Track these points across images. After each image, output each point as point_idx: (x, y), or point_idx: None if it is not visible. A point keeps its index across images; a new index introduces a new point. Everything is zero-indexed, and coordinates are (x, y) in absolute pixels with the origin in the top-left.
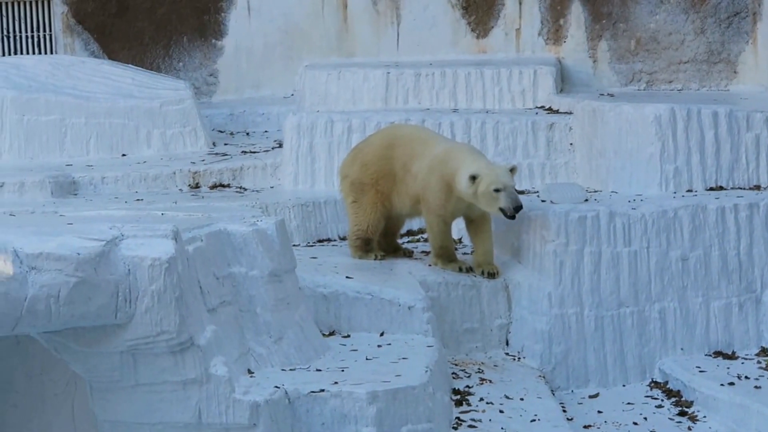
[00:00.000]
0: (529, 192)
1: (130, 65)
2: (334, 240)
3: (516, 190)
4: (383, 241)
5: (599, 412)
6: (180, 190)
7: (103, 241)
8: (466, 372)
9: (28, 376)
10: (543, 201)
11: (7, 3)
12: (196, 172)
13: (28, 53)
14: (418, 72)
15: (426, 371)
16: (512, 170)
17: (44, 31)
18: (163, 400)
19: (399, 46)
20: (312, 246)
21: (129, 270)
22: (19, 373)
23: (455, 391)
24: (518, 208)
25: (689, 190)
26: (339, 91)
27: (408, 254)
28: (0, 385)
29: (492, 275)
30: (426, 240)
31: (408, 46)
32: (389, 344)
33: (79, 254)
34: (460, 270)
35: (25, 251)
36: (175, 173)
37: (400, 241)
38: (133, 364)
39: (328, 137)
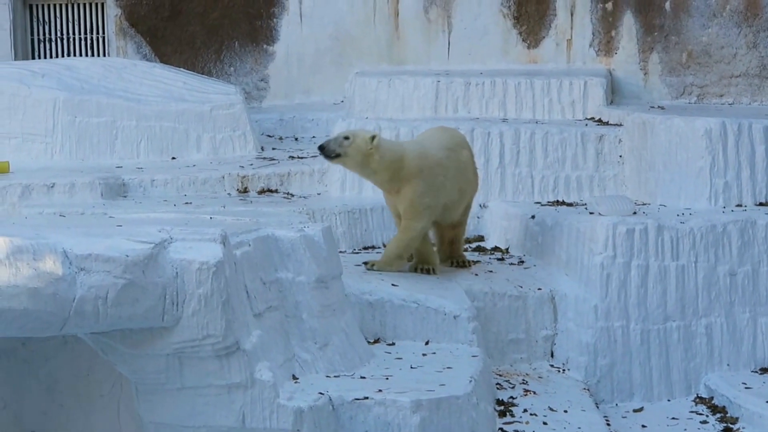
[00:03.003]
0: (577, 204)
1: (181, 69)
2: (380, 247)
3: (335, 139)
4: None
5: (643, 426)
6: (228, 194)
7: (151, 244)
8: (510, 383)
9: (74, 376)
10: (591, 213)
11: (60, 5)
12: (244, 177)
13: (80, 55)
14: (468, 81)
15: (470, 381)
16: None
17: (97, 33)
18: (208, 403)
19: (449, 54)
20: (358, 253)
21: (177, 273)
22: (66, 373)
23: (499, 402)
24: (320, 146)
25: (738, 205)
26: (388, 98)
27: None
28: (46, 385)
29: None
30: (476, 249)
31: (458, 54)
32: (434, 353)
33: (127, 256)
34: (417, 269)
35: (74, 252)
36: (223, 177)
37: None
38: (179, 366)
39: None
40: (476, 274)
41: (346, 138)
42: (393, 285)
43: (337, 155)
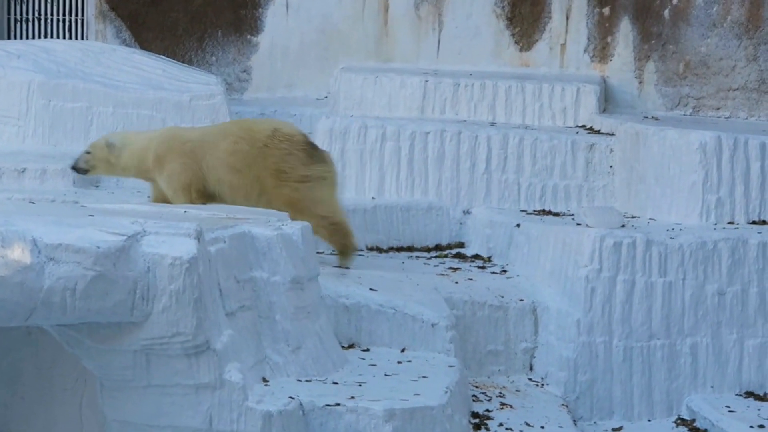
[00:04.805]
0: (564, 214)
1: (161, 56)
2: (361, 249)
3: (80, 156)
4: None
5: None
6: None
7: (124, 236)
8: (486, 395)
9: (37, 368)
10: (578, 224)
11: None
12: None
13: (58, 37)
14: (457, 82)
15: (446, 392)
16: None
17: (76, 15)
18: (174, 403)
19: (439, 53)
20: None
21: (148, 267)
22: (29, 365)
23: (474, 415)
24: (71, 167)
25: (730, 222)
26: (374, 96)
27: None
28: (8, 377)
29: None
30: (456, 256)
31: (448, 54)
32: (409, 361)
33: (98, 248)
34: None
35: (44, 241)
36: None
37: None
38: (146, 364)
39: (361, 143)
40: (456, 282)
41: (88, 152)
42: (371, 289)
43: (86, 170)
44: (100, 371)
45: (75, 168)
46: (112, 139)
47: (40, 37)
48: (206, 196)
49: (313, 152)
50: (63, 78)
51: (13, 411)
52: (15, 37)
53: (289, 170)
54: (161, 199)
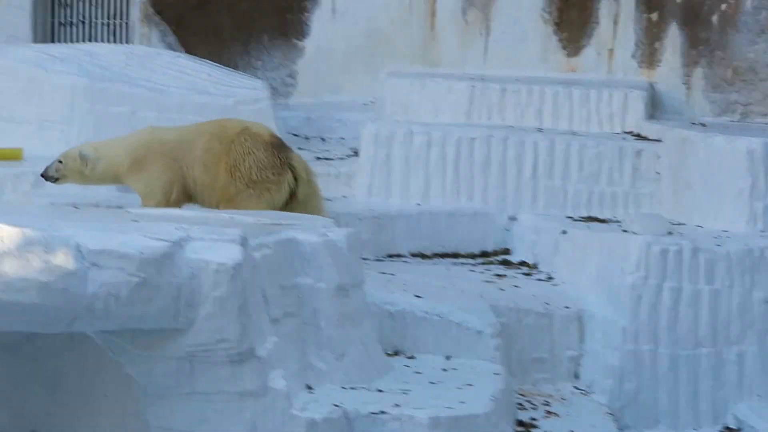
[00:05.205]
0: (610, 221)
1: (206, 60)
2: (405, 255)
3: (51, 165)
4: None
5: None
6: None
7: (168, 242)
8: (532, 403)
9: (80, 375)
10: (624, 231)
11: None
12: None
13: (103, 41)
14: (503, 87)
15: (491, 400)
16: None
17: (121, 19)
18: (218, 410)
19: (486, 58)
20: (382, 261)
21: (193, 273)
22: (71, 372)
23: (519, 423)
24: (41, 174)
25: None
26: (420, 101)
27: None
28: (51, 383)
29: None
30: (501, 263)
31: (495, 59)
32: (455, 369)
33: (142, 254)
34: None
35: (87, 247)
36: None
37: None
38: (190, 371)
39: (406, 149)
40: (502, 289)
41: (60, 162)
42: (416, 296)
43: (57, 179)
44: (144, 378)
45: (44, 176)
46: (85, 151)
47: (84, 41)
48: (187, 195)
49: (276, 155)
50: (107, 82)
51: (55, 418)
52: (59, 41)
53: (243, 170)
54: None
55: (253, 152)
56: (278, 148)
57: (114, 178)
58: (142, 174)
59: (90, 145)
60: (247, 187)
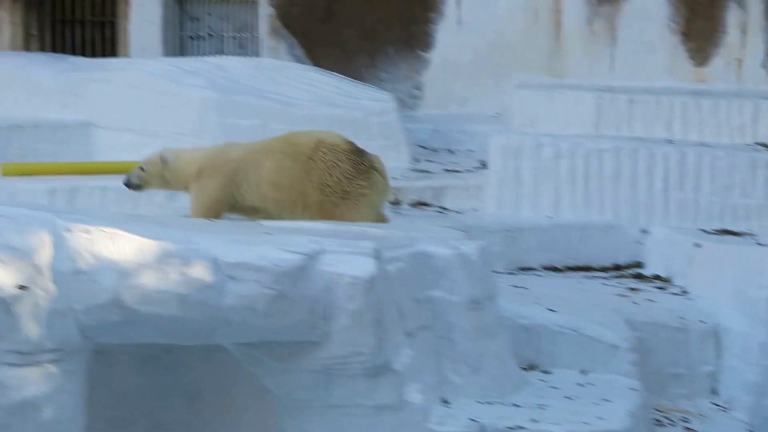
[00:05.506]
0: (744, 234)
1: (334, 73)
2: (537, 269)
3: (132, 172)
4: None
5: None
6: None
7: (303, 255)
8: (669, 419)
9: (217, 387)
10: (759, 245)
11: (213, 2)
12: (397, 189)
13: (231, 54)
14: (631, 98)
15: (629, 416)
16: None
17: (249, 32)
18: (355, 423)
19: (613, 69)
20: (513, 274)
21: (327, 286)
22: (209, 384)
23: None
24: (124, 183)
25: None
26: (548, 112)
27: None
28: (189, 395)
29: None
30: (634, 276)
31: (622, 69)
32: (591, 384)
33: (278, 266)
34: None
35: (224, 259)
36: None
37: None
38: (327, 384)
39: (535, 161)
40: (636, 303)
41: (142, 168)
42: (550, 310)
43: (139, 186)
44: (281, 390)
45: (127, 184)
46: (165, 154)
47: (213, 55)
48: (232, 211)
49: (359, 161)
50: (237, 95)
51: (194, 429)
52: (189, 55)
53: (333, 184)
54: None
55: (337, 164)
56: (357, 153)
57: (185, 184)
58: (199, 185)
59: (170, 149)
60: (343, 198)
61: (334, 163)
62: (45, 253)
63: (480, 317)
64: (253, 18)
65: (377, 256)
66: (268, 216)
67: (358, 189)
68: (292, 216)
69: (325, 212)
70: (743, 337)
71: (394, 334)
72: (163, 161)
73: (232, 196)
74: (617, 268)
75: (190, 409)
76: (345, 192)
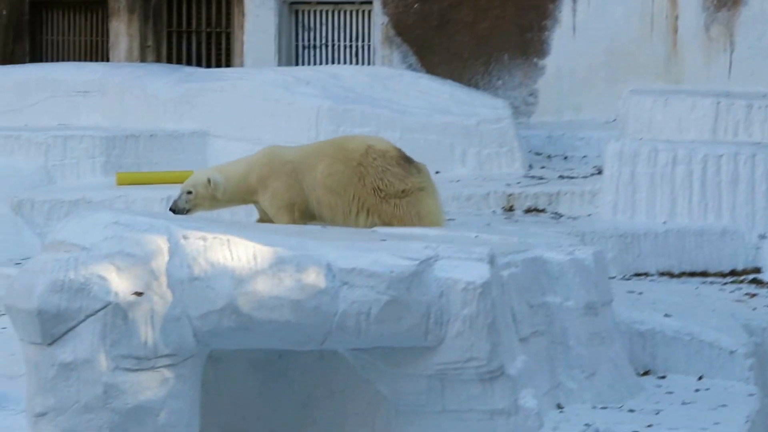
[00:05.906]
0: None
1: (448, 80)
2: (653, 274)
3: (179, 197)
4: None
5: None
6: (493, 211)
7: (416, 261)
8: None
9: (329, 392)
10: None
11: (327, 11)
12: (511, 195)
13: (344, 63)
14: (750, 104)
15: (746, 422)
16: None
17: (362, 41)
18: (469, 428)
19: (730, 74)
20: (628, 280)
21: (441, 292)
22: (321, 389)
23: None
24: (170, 209)
25: None
26: (664, 118)
27: None
28: (301, 400)
29: None
30: (752, 282)
31: (740, 75)
32: (707, 389)
33: (392, 272)
34: None
35: (338, 265)
36: (489, 194)
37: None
38: (441, 389)
39: (651, 167)
40: (754, 308)
41: (189, 192)
42: (666, 315)
43: (188, 210)
44: (395, 396)
45: (175, 210)
46: (213, 175)
47: (327, 63)
48: (308, 216)
49: (407, 166)
50: (351, 103)
51: None
52: (303, 64)
53: (386, 187)
54: (266, 219)
55: (388, 169)
56: (406, 158)
57: (243, 198)
58: (267, 192)
59: (212, 170)
60: (401, 198)
61: (385, 167)
62: (161, 260)
63: (595, 323)
64: (366, 26)
65: (491, 261)
66: (323, 222)
67: (414, 184)
68: (346, 222)
69: (385, 215)
70: None
71: (509, 339)
72: (214, 183)
73: (303, 192)
74: (734, 273)
75: (303, 414)
76: (401, 191)
